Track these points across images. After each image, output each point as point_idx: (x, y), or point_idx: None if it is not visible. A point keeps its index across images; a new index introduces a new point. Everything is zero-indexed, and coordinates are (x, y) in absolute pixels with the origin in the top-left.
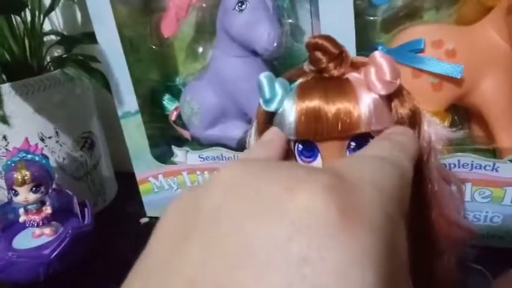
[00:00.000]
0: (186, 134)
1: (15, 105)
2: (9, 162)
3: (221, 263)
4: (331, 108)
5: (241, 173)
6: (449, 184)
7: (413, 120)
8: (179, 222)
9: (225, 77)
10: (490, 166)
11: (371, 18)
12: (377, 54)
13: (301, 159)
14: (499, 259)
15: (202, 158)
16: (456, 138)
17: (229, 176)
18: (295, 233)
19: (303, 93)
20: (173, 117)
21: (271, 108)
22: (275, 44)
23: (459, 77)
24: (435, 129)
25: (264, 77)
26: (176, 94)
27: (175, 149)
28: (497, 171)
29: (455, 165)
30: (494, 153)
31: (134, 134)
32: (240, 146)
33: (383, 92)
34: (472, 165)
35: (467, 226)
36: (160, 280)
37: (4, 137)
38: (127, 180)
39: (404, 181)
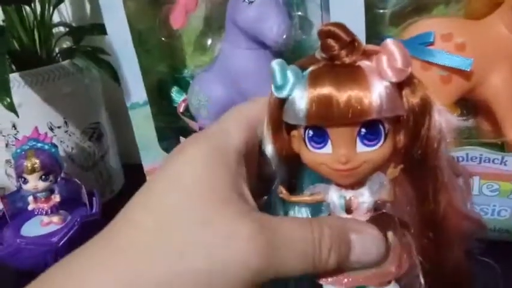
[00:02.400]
0: (194, 125)
1: (25, 95)
2: (19, 151)
3: None
4: (342, 95)
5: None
6: (457, 176)
7: (424, 109)
8: None
9: (233, 69)
10: (498, 160)
11: (381, 11)
12: (389, 42)
13: (312, 145)
14: (507, 253)
15: None
16: (464, 132)
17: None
18: None
19: (314, 80)
20: (181, 109)
21: (283, 94)
22: (284, 37)
23: (468, 70)
24: (445, 118)
25: (276, 63)
26: (184, 86)
27: (183, 141)
28: (505, 164)
29: (463, 158)
30: (503, 147)
31: (142, 125)
32: None
33: (395, 80)
34: (480, 158)
35: (476, 218)
36: None
37: (14, 126)
38: (134, 171)
39: None
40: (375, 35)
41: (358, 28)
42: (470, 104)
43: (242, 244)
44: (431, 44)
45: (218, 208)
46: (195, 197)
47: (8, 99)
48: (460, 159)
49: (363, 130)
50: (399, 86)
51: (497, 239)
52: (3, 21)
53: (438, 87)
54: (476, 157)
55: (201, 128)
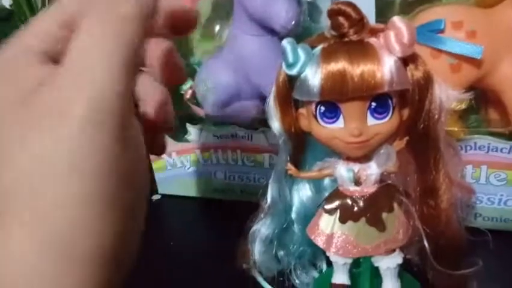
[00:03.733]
0: (200, 112)
1: None
2: None
3: None
4: (356, 69)
5: None
6: (450, 147)
7: (427, 83)
8: None
9: (241, 56)
10: (506, 149)
11: None
12: (396, 19)
13: (324, 121)
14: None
15: (216, 136)
16: (472, 121)
17: None
18: None
19: (327, 56)
20: (188, 95)
21: (294, 71)
22: (293, 23)
23: (478, 58)
24: (446, 92)
25: (287, 42)
26: (191, 73)
27: (189, 127)
28: None
29: (471, 147)
30: (510, 137)
31: None
32: (254, 124)
33: (402, 54)
34: (488, 147)
35: (467, 186)
36: None
37: None
38: None
39: None
40: (384, 22)
41: (368, 15)
42: (478, 93)
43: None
44: (442, 31)
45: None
46: None
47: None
48: (468, 148)
49: (373, 104)
50: (404, 61)
51: (504, 229)
52: (10, 5)
53: (447, 76)
54: (484, 146)
55: (206, 115)
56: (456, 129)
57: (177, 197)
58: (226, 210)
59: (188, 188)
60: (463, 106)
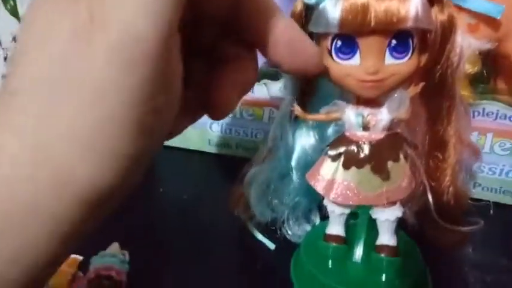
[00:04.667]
0: None
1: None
2: None
3: None
4: (380, 2)
5: None
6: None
7: (450, 27)
8: None
9: None
10: None
11: None
12: None
13: (339, 57)
14: (510, 216)
15: None
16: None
17: None
18: None
19: None
20: None
21: (313, 0)
22: None
23: (497, 19)
24: (467, 40)
25: None
26: None
27: None
28: None
29: (479, 113)
30: None
31: None
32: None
33: None
34: (496, 114)
35: (475, 147)
36: None
37: (14, 38)
38: None
39: None
40: None
41: None
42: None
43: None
44: None
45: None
46: None
47: (12, 3)
48: (476, 113)
49: (393, 41)
50: (430, 2)
51: (503, 202)
52: None
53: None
54: (493, 112)
55: None
56: (466, 93)
57: (170, 147)
58: (219, 163)
59: (181, 139)
60: (476, 69)
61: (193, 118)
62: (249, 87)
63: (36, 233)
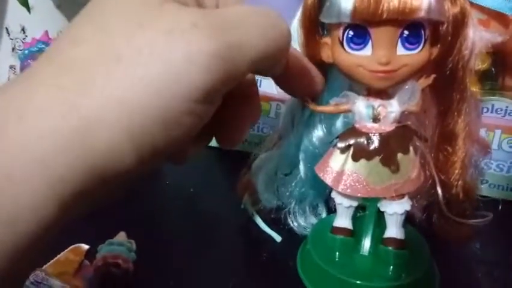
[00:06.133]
0: None
1: None
2: (26, 52)
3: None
4: None
5: None
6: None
7: (462, 20)
8: None
9: None
10: None
11: None
12: None
13: (350, 47)
14: None
15: None
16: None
17: None
18: None
19: None
20: None
21: None
22: None
23: (508, 16)
24: (479, 33)
25: None
26: None
27: None
28: None
29: (488, 109)
30: None
31: None
32: None
33: None
34: (505, 111)
35: (484, 141)
36: None
37: (23, 29)
38: None
39: None
40: None
41: None
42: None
43: (186, 34)
44: None
45: (156, 7)
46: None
47: None
48: (485, 110)
49: (405, 32)
50: None
51: (510, 198)
52: None
53: None
54: (502, 109)
55: None
56: (475, 89)
57: None
58: (225, 158)
59: None
60: (485, 66)
61: (198, 146)
62: (256, 120)
63: (38, 192)
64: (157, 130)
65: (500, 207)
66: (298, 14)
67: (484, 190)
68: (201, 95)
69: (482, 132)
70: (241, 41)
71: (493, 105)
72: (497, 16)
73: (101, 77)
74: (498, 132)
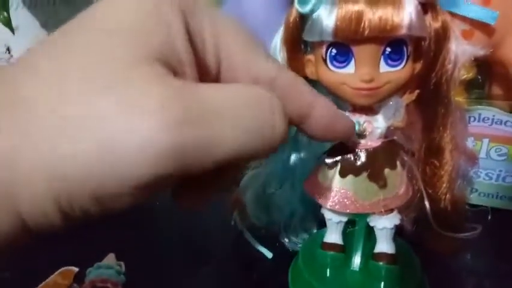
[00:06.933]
0: None
1: (22, 17)
2: None
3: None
4: (374, 10)
5: None
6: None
7: (444, 34)
8: None
9: (244, 10)
10: (510, 122)
11: None
12: None
13: (333, 65)
14: (508, 222)
15: None
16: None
17: None
18: None
19: None
20: None
21: (306, 9)
22: None
23: (491, 26)
24: (462, 47)
25: None
26: None
27: None
28: None
29: (474, 118)
30: None
31: None
32: None
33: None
34: (492, 119)
35: (471, 152)
36: None
37: (8, 49)
38: None
39: None
40: None
41: None
42: (484, 68)
43: (146, 115)
44: None
45: (129, 68)
46: (107, 51)
47: (5, 14)
48: (472, 119)
49: (388, 49)
50: (424, 10)
51: (499, 207)
52: None
53: None
54: (489, 118)
55: None
56: (461, 99)
57: None
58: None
59: None
60: (471, 75)
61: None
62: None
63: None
64: (87, 202)
65: (489, 216)
66: (280, 31)
67: (474, 199)
68: (140, 184)
69: (470, 141)
70: (212, 137)
71: (479, 114)
72: (480, 26)
73: (39, 136)
74: (486, 141)
